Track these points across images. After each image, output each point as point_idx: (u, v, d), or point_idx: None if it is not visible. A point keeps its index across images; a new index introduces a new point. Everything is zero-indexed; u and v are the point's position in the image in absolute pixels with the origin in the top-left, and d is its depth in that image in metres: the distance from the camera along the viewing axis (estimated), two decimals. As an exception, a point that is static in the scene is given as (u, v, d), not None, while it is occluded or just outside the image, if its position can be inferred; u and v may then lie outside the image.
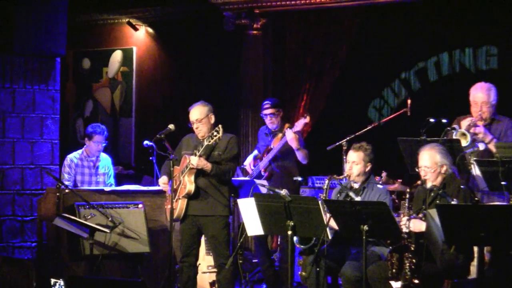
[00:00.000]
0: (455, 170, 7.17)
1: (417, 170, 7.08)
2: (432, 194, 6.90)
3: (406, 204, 6.80)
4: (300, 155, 9.07)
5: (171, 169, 7.62)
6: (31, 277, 6.44)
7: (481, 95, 7.84)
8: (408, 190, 6.91)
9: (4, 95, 9.58)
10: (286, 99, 10.97)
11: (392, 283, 6.74)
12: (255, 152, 9.56)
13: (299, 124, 9.00)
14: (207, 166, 7.63)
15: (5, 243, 9.49)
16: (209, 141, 7.55)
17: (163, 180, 7.86)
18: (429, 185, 6.94)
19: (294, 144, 8.97)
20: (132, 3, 12.53)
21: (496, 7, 9.89)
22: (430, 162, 6.97)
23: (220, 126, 7.60)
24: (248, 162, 9.44)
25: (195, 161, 7.59)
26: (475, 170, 7.42)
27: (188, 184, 7.71)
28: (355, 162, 7.48)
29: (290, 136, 8.93)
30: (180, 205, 7.75)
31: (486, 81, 7.97)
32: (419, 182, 7.01)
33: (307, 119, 9.01)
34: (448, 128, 7.78)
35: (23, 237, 9.63)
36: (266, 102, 9.34)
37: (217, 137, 7.52)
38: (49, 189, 8.78)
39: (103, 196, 8.67)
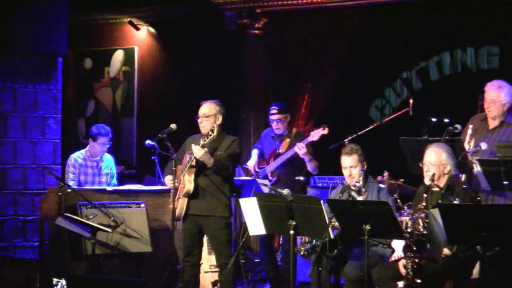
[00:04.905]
0: (457, 173, 7.18)
1: (420, 165, 7.09)
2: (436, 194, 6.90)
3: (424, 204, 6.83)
4: (311, 167, 9.04)
5: (173, 169, 7.61)
6: (34, 277, 6.44)
7: (490, 92, 7.80)
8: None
9: (6, 95, 9.57)
10: (287, 99, 10.93)
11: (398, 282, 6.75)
12: (256, 151, 9.49)
13: (316, 135, 8.87)
14: (210, 160, 7.61)
15: (7, 242, 9.49)
16: (205, 140, 7.54)
17: (168, 178, 7.85)
18: (427, 181, 6.95)
19: (306, 157, 8.92)
20: (134, 3, 12.51)
21: (497, 7, 9.89)
22: (435, 158, 6.99)
23: (215, 125, 7.59)
24: (252, 164, 9.36)
25: (199, 152, 7.53)
26: (477, 170, 7.42)
27: (187, 183, 7.70)
28: (352, 166, 7.48)
29: (303, 151, 8.85)
30: (180, 204, 7.75)
31: (492, 80, 7.95)
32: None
33: (326, 131, 8.84)
34: (450, 127, 7.78)
35: (25, 237, 9.63)
36: (273, 107, 9.25)
37: (212, 136, 7.52)
38: (51, 189, 8.79)
39: (105, 196, 8.67)
